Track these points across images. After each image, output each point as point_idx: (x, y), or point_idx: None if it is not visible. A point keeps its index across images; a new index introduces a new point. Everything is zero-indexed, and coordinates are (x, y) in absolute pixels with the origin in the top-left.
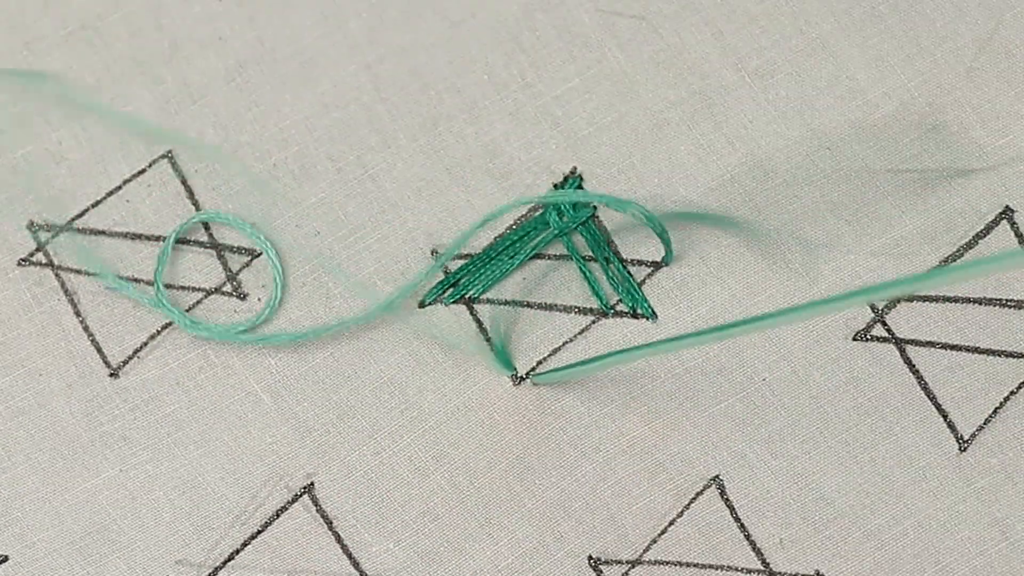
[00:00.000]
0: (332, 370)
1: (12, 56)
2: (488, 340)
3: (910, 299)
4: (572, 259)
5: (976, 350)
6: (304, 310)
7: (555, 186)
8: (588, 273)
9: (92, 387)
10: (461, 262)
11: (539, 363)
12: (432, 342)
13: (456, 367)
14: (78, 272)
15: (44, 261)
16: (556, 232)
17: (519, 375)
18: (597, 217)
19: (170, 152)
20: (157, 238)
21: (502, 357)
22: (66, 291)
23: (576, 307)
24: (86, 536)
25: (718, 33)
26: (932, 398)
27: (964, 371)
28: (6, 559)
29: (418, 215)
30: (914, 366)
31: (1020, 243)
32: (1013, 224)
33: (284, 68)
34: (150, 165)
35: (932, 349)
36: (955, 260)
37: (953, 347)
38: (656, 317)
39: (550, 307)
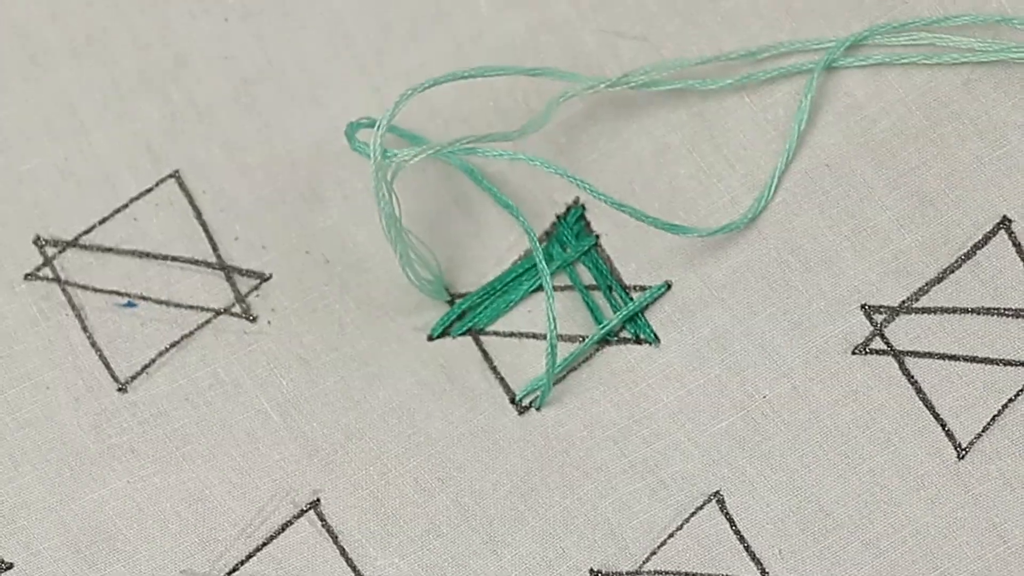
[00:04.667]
0: (342, 394)
1: (18, 69)
2: (492, 368)
3: (909, 312)
4: (575, 289)
5: (974, 359)
6: (316, 335)
7: (558, 217)
8: (591, 302)
9: (100, 401)
10: (467, 294)
11: (543, 394)
12: (439, 371)
13: (463, 396)
14: (85, 288)
15: (51, 276)
16: (559, 264)
17: (523, 404)
18: (600, 246)
19: (177, 172)
20: (165, 257)
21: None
22: (73, 306)
23: (580, 336)
24: (91, 545)
25: (719, 52)
26: (930, 408)
27: (962, 380)
28: (11, 566)
29: (427, 246)
30: (912, 377)
31: (1018, 254)
32: (1011, 234)
33: (293, 88)
34: (157, 184)
35: (931, 360)
36: (954, 272)
37: (952, 357)
38: (659, 341)
39: (556, 338)
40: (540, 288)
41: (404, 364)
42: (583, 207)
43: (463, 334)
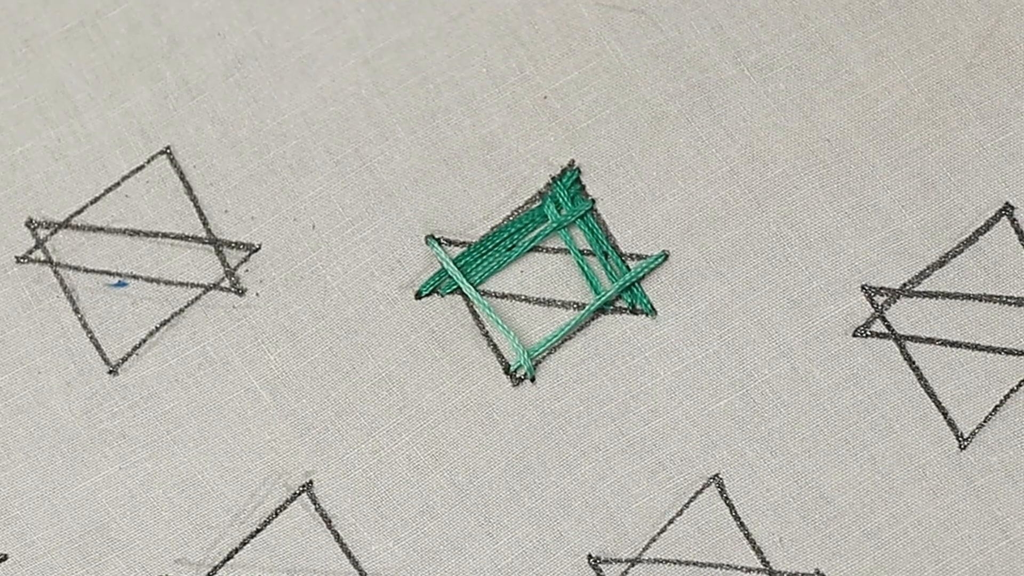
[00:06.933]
0: (331, 366)
1: (12, 53)
2: (484, 334)
3: (910, 295)
4: (570, 253)
5: (976, 347)
6: (303, 304)
7: (552, 178)
8: (586, 268)
9: (91, 384)
10: (458, 250)
11: (537, 361)
12: (430, 336)
13: (454, 364)
14: (76, 269)
15: (43, 258)
16: (555, 225)
17: (517, 374)
18: (596, 211)
19: (168, 148)
20: (155, 234)
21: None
22: (65, 288)
23: (575, 302)
24: (85, 535)
25: (717, 27)
26: (932, 395)
27: (964, 368)
28: (5, 557)
29: (415, 205)
30: (914, 363)
31: (1020, 241)
32: (1013, 221)
33: (282, 63)
34: (148, 161)
35: (932, 346)
36: (955, 256)
37: (953, 344)
38: (655, 313)
39: (548, 302)
40: (535, 249)
41: (393, 330)
42: (579, 170)
43: (452, 292)
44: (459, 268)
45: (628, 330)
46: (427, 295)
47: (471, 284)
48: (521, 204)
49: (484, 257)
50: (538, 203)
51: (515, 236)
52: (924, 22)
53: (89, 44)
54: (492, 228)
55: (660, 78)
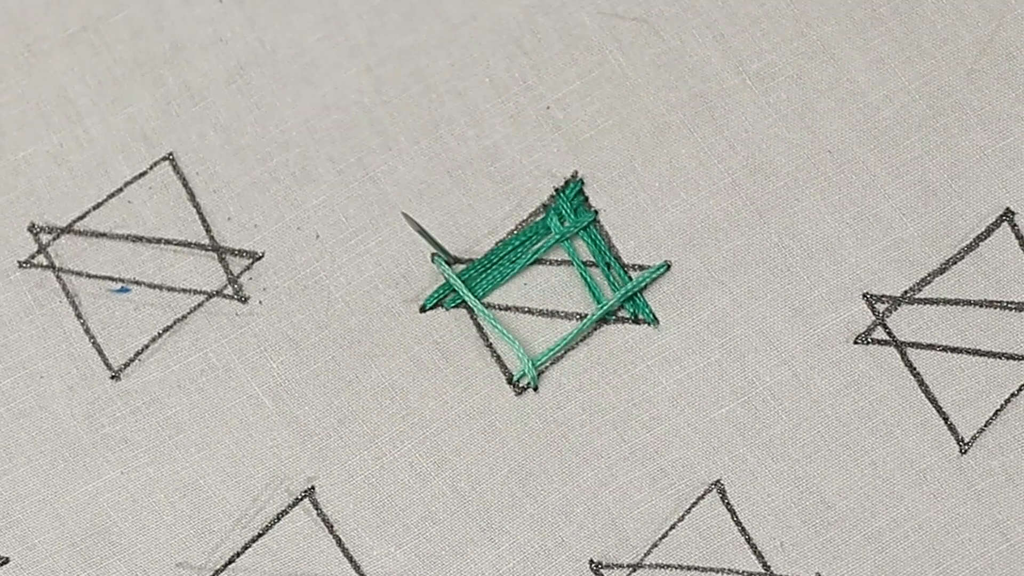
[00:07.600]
0: (334, 374)
1: (14, 59)
2: (488, 345)
3: (912, 302)
4: (573, 264)
5: (977, 352)
6: (306, 313)
7: (556, 190)
8: (589, 279)
9: (93, 389)
10: (462, 266)
11: (540, 371)
12: (434, 348)
13: (457, 374)
14: (79, 274)
15: (45, 263)
16: (558, 237)
17: (520, 385)
18: (599, 222)
19: (171, 154)
20: (158, 240)
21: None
22: (67, 293)
23: (577, 313)
24: (87, 539)
25: (719, 36)
26: (933, 401)
27: (965, 373)
28: (7, 561)
29: (419, 217)
30: (915, 369)
31: (1021, 247)
32: (1014, 226)
33: (285, 70)
34: (151, 167)
35: (933, 352)
36: (956, 263)
37: (954, 349)
38: (658, 322)
39: (552, 313)
40: (538, 261)
41: (396, 340)
42: (582, 182)
43: (457, 306)
44: (463, 282)
45: (630, 339)
46: (431, 308)
47: (476, 297)
48: (525, 217)
49: (488, 271)
50: (542, 215)
51: (519, 249)
52: (925, 28)
53: (92, 49)
54: (496, 243)
55: (662, 88)
